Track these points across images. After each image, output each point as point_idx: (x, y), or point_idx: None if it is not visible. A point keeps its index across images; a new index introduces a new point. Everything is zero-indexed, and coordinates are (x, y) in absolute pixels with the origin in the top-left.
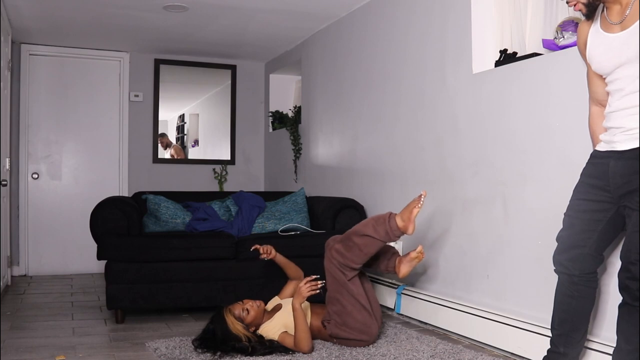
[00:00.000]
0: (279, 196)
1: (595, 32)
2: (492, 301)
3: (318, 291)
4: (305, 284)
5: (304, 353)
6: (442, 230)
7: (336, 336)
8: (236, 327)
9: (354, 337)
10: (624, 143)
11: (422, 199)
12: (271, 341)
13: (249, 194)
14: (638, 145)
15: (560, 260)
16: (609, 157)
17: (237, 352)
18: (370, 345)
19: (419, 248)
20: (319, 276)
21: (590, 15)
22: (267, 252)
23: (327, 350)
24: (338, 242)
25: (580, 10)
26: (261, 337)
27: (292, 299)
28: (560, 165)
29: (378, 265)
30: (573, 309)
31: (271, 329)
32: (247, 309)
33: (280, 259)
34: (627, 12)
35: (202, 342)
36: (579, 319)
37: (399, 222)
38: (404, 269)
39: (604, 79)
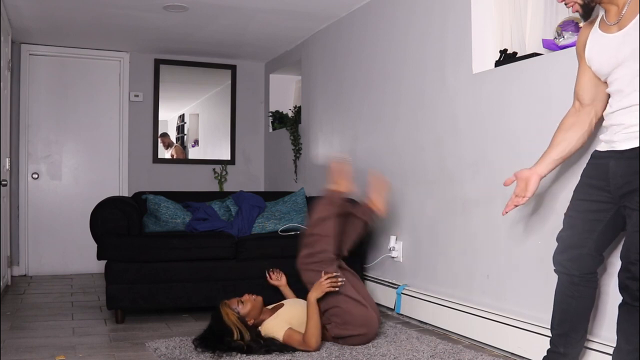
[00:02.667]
0: (279, 196)
1: (594, 34)
2: (492, 301)
3: (337, 289)
4: (326, 279)
5: (311, 350)
6: (442, 230)
7: (339, 336)
8: (230, 318)
9: (357, 333)
10: (623, 142)
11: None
12: (269, 339)
13: (249, 194)
14: (638, 145)
15: (560, 261)
16: (609, 157)
17: (233, 350)
18: (371, 345)
19: (372, 171)
20: (339, 273)
21: (586, 15)
22: (278, 278)
23: (327, 351)
24: (302, 250)
25: (577, 11)
26: (257, 333)
27: (293, 298)
28: (560, 166)
29: (358, 228)
30: (573, 309)
31: (274, 326)
32: (242, 301)
33: (287, 290)
34: (624, 11)
35: (201, 342)
36: (578, 319)
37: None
38: (378, 202)
39: (604, 82)
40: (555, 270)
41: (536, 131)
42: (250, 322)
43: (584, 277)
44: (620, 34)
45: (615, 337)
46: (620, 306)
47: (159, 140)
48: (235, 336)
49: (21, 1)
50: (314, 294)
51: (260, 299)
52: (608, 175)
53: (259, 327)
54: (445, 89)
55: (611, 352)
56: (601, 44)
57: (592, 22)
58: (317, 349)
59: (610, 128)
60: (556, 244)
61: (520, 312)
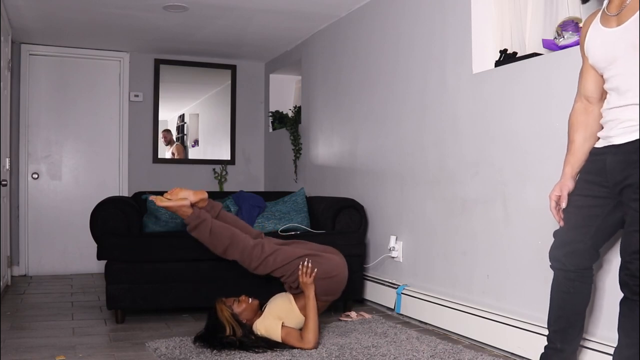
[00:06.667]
0: (279, 196)
1: (594, 25)
2: (492, 301)
3: (314, 270)
4: (303, 274)
5: (309, 348)
6: (442, 230)
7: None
8: (224, 313)
9: (328, 276)
10: (620, 137)
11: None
12: (260, 337)
13: (249, 194)
14: (635, 139)
15: (556, 256)
16: (606, 153)
17: (227, 346)
18: (371, 346)
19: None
20: (306, 259)
21: None
22: (308, 273)
23: (327, 350)
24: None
25: None
26: (250, 329)
27: (278, 295)
28: (561, 165)
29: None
30: (569, 305)
31: (267, 326)
32: (238, 301)
33: (310, 297)
34: (627, 2)
35: (199, 338)
36: (575, 315)
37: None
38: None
39: (600, 75)
40: (551, 266)
41: (536, 131)
42: (243, 321)
43: (580, 273)
44: (619, 29)
45: (612, 335)
46: (622, 302)
47: (162, 135)
48: (228, 332)
49: (21, 1)
50: (311, 290)
51: (256, 302)
52: (605, 170)
53: (253, 327)
54: (446, 89)
55: (608, 351)
56: (599, 38)
57: (595, 14)
58: (315, 346)
59: (607, 124)
60: None
61: (520, 312)
